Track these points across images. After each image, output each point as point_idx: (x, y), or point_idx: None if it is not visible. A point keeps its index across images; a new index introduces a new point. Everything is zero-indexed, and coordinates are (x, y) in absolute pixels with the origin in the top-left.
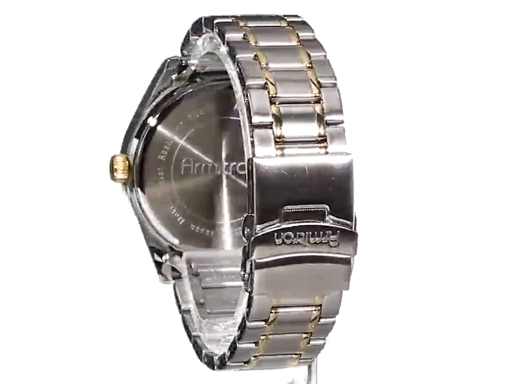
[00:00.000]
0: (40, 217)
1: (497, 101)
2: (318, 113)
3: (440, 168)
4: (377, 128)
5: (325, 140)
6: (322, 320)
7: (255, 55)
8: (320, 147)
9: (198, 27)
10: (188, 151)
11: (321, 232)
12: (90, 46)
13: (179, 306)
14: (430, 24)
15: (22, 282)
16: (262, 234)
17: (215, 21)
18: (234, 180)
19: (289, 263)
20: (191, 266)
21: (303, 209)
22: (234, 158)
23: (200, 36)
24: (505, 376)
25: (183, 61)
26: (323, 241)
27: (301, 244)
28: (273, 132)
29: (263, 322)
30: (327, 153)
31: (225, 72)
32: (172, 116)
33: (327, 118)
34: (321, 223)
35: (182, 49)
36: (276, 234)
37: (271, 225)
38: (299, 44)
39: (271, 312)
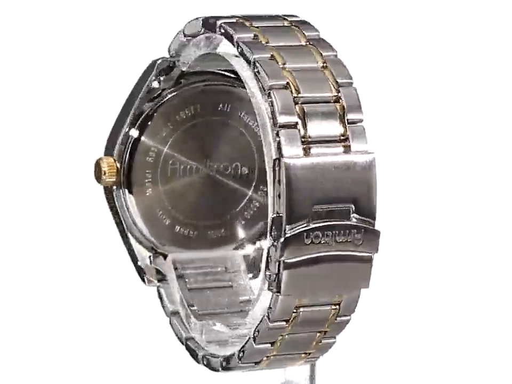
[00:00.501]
0: (23, 217)
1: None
2: (339, 113)
3: (442, 165)
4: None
5: (347, 139)
6: (338, 319)
7: (272, 55)
8: (343, 146)
9: (193, 28)
10: (173, 153)
11: (347, 231)
12: (75, 46)
13: (165, 308)
14: (425, 21)
15: (8, 284)
16: (293, 235)
17: (220, 22)
18: (217, 180)
19: (317, 263)
20: (176, 268)
21: (330, 209)
22: (217, 159)
23: (194, 37)
24: (506, 377)
25: (171, 62)
26: (348, 240)
27: (327, 243)
28: (298, 131)
29: (284, 323)
30: (350, 152)
31: (208, 73)
32: (153, 126)
33: (348, 117)
34: (347, 222)
35: (170, 50)
36: (305, 234)
37: (300, 225)
38: (308, 43)
39: (293, 312)
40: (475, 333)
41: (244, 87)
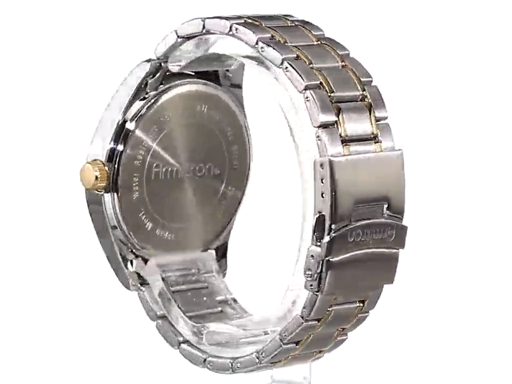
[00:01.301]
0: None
1: None
2: (368, 110)
3: (442, 165)
4: None
5: (377, 136)
6: (359, 315)
7: (297, 55)
8: (375, 143)
9: (190, 28)
10: (158, 155)
11: (382, 229)
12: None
13: (150, 312)
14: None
15: None
16: (338, 234)
17: (231, 22)
18: (192, 182)
19: (356, 261)
20: (158, 271)
21: (369, 206)
22: (193, 160)
23: (189, 38)
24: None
25: (158, 64)
26: (383, 237)
27: (366, 241)
28: (337, 130)
29: (316, 321)
30: (382, 149)
31: (187, 75)
32: (147, 120)
33: (376, 114)
34: (383, 220)
35: (157, 51)
36: (349, 233)
37: (344, 224)
38: (320, 42)
39: (327, 311)
40: (476, 333)
41: (216, 87)
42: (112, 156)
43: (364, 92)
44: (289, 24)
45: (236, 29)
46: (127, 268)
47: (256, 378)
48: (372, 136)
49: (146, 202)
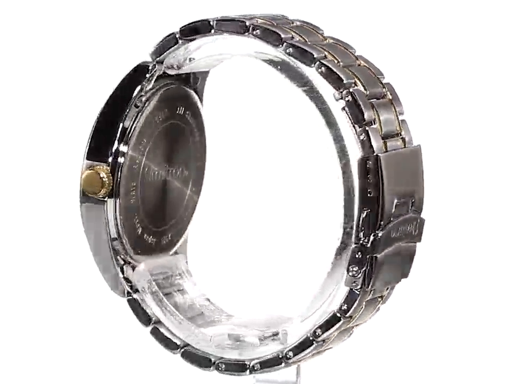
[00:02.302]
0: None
1: None
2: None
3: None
4: None
5: (401, 132)
6: (376, 311)
7: (325, 55)
8: (401, 139)
9: (195, 30)
10: (150, 157)
11: (411, 224)
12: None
13: (143, 317)
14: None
15: None
16: (385, 231)
17: (249, 23)
18: (169, 184)
19: (391, 256)
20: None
21: (403, 202)
22: (172, 163)
23: (190, 41)
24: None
25: (153, 66)
26: (410, 232)
27: (400, 236)
28: (377, 127)
29: (350, 318)
30: (406, 144)
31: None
32: (138, 137)
33: (397, 110)
34: (412, 215)
35: (156, 53)
36: (392, 229)
37: (389, 221)
38: (327, 41)
39: (361, 308)
40: (476, 333)
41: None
42: (115, 160)
43: (385, 89)
44: (297, 24)
45: (256, 29)
46: (123, 274)
47: (239, 379)
48: (397, 131)
49: (139, 206)
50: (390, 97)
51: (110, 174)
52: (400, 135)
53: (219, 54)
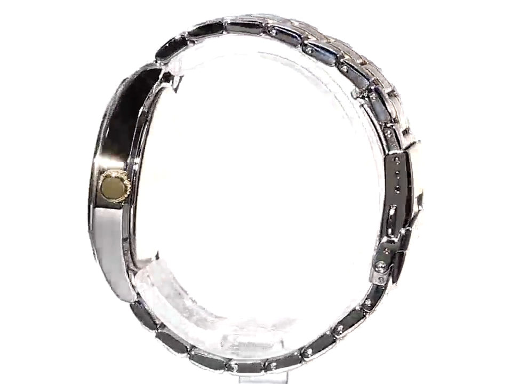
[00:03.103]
0: None
1: None
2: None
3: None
4: None
5: (408, 129)
6: None
7: (342, 54)
8: (410, 135)
9: (203, 32)
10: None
11: (419, 218)
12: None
13: (147, 322)
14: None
15: None
16: (412, 227)
17: (269, 24)
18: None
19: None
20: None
21: (419, 197)
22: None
23: (194, 43)
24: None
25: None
26: (419, 224)
27: (418, 231)
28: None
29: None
30: (415, 142)
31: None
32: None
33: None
34: (421, 208)
35: (162, 55)
36: (415, 223)
37: (414, 215)
38: (332, 40)
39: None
40: (476, 332)
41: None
42: (131, 165)
43: (393, 86)
44: (296, 24)
45: (274, 30)
46: (130, 280)
47: (227, 377)
48: (408, 127)
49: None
50: (398, 94)
51: (129, 180)
52: (409, 131)
53: (233, 54)
